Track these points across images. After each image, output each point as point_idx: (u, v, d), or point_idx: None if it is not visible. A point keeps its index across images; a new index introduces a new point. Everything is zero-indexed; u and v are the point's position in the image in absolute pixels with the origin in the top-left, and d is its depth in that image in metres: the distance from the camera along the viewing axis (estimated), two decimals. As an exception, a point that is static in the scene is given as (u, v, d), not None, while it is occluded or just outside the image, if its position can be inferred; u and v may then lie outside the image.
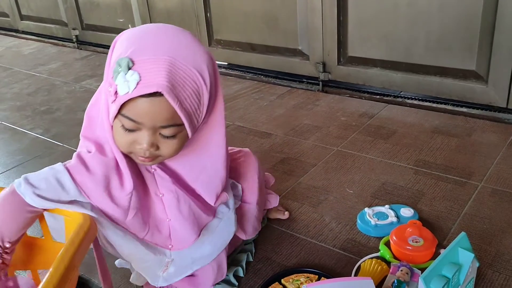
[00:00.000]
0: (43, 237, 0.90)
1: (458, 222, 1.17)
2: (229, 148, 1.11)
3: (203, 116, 0.79)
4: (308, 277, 1.01)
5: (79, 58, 2.94)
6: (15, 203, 0.79)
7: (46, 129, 1.96)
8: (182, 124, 0.75)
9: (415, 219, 1.16)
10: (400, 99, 1.90)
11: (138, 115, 0.73)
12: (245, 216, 1.05)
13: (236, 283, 1.03)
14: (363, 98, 1.96)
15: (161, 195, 0.89)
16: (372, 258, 1.06)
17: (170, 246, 0.94)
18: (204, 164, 0.89)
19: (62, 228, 0.85)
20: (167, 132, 0.76)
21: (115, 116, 0.74)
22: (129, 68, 0.70)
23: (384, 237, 1.12)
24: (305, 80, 2.15)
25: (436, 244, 1.05)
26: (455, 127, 1.64)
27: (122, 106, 0.73)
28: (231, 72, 2.38)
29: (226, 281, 1.02)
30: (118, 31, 2.95)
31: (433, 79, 1.78)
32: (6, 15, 3.65)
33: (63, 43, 3.27)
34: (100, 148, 0.82)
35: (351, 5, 1.88)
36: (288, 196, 1.33)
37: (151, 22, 2.64)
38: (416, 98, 1.87)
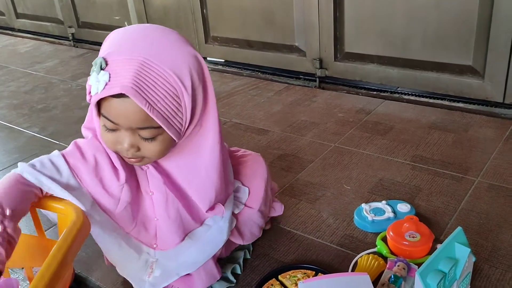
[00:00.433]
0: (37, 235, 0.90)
1: (454, 217, 1.17)
2: (239, 149, 1.11)
3: (187, 120, 0.78)
4: (305, 273, 1.01)
5: (75, 56, 2.93)
6: (12, 179, 0.81)
7: (42, 127, 1.96)
8: (161, 127, 0.75)
9: (412, 214, 1.16)
10: (397, 95, 1.90)
11: (112, 115, 0.74)
12: (245, 221, 1.03)
13: (234, 281, 1.02)
14: (360, 94, 1.96)
15: (151, 193, 0.89)
16: (369, 253, 1.06)
17: (154, 246, 0.94)
18: (198, 169, 0.88)
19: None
20: (145, 134, 0.76)
21: (98, 116, 0.77)
22: (102, 69, 0.71)
23: (381, 232, 1.12)
24: (302, 76, 2.14)
25: (433, 239, 1.05)
26: (452, 123, 1.64)
27: (102, 106, 0.75)
28: (228, 69, 2.38)
29: (224, 278, 1.02)
30: (114, 28, 2.92)
31: (430, 75, 1.78)
32: (2, 14, 3.64)
33: (59, 41, 3.26)
34: (97, 136, 0.84)
35: (348, 1, 1.87)
36: (286, 193, 1.33)
37: (147, 19, 2.63)
38: (413, 93, 1.87)
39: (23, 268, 1.07)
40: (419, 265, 0.94)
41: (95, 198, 0.86)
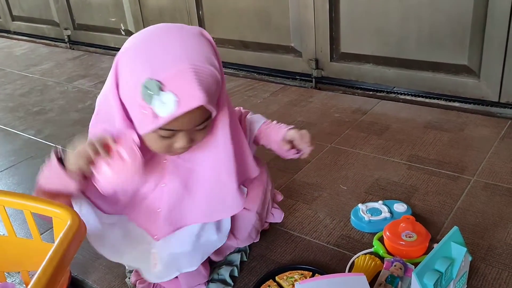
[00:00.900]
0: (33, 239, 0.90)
1: (451, 217, 1.17)
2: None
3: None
4: (302, 274, 1.01)
5: (71, 58, 2.92)
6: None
7: (38, 130, 1.95)
8: (211, 114, 0.79)
9: (409, 214, 1.16)
10: (393, 95, 1.91)
11: (177, 125, 0.76)
12: (241, 222, 1.02)
13: (232, 283, 1.02)
14: (356, 94, 1.97)
15: (163, 185, 0.90)
16: (366, 254, 1.06)
17: (155, 236, 0.95)
18: (214, 159, 0.89)
19: None
20: (201, 126, 0.80)
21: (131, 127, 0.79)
22: (160, 89, 0.71)
23: (377, 232, 1.12)
24: (298, 77, 2.15)
25: (429, 239, 1.06)
26: (448, 122, 1.65)
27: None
28: (224, 70, 2.37)
29: (221, 281, 1.02)
30: (110, 30, 2.97)
31: (426, 74, 1.78)
32: (-3, 16, 3.63)
33: (55, 43, 3.25)
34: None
35: (343, 1, 1.88)
36: (282, 193, 1.32)
37: (143, 21, 2.63)
38: (409, 93, 1.88)
39: (19, 272, 1.07)
40: (415, 265, 0.95)
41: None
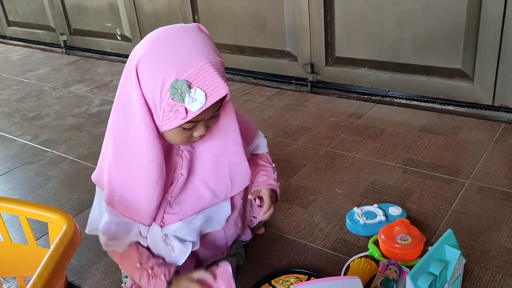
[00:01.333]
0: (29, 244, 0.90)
1: (445, 220, 1.18)
2: None
3: None
4: (298, 278, 1.01)
5: (67, 63, 2.92)
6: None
7: (34, 135, 1.95)
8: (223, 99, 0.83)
9: (403, 217, 1.16)
10: (388, 99, 1.92)
11: (201, 116, 0.81)
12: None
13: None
14: (352, 98, 1.98)
15: (181, 175, 0.93)
16: (361, 257, 1.07)
17: (161, 224, 0.95)
18: (224, 149, 0.94)
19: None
20: (216, 113, 0.85)
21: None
22: (189, 87, 0.77)
23: (373, 236, 1.12)
24: (293, 81, 2.16)
25: (424, 242, 1.06)
26: (442, 126, 1.66)
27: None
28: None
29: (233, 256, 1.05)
30: (106, 35, 2.97)
31: (420, 78, 1.80)
32: (-7, 21, 3.63)
33: (51, 48, 3.25)
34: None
35: (338, 6, 1.89)
36: (278, 198, 1.34)
37: (139, 26, 2.63)
38: (404, 97, 1.89)
39: (15, 277, 1.07)
40: (410, 268, 0.95)
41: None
